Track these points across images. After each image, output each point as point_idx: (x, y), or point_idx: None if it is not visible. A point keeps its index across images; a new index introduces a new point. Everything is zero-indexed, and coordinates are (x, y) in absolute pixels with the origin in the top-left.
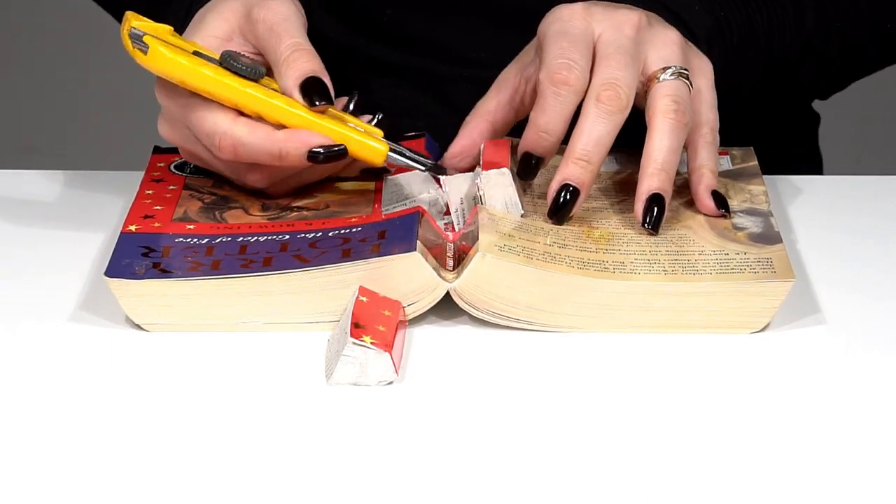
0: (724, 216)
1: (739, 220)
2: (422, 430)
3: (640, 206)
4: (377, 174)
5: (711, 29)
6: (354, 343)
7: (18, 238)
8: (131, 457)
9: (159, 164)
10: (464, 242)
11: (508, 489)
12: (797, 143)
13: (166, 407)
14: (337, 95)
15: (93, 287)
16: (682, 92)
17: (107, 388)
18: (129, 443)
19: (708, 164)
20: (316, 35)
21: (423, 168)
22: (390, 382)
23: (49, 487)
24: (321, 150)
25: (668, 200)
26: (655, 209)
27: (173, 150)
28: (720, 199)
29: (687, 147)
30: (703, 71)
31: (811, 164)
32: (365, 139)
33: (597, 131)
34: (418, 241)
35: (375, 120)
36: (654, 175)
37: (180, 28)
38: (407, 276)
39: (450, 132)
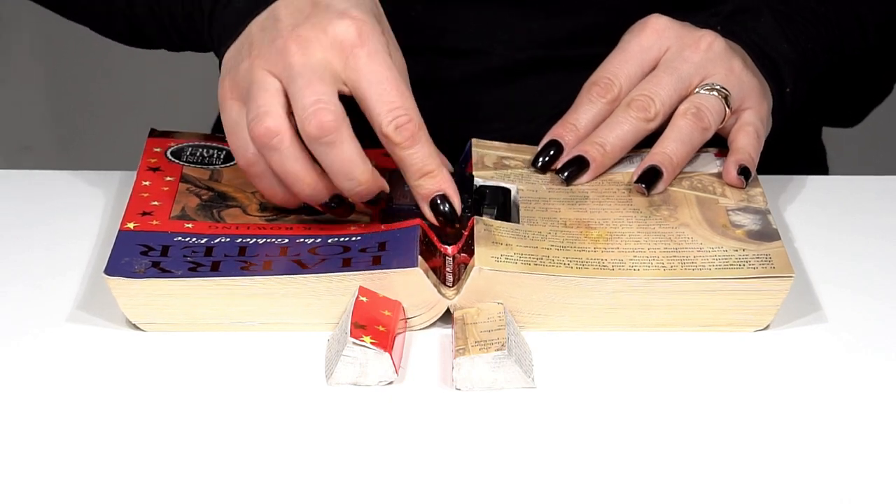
0: (741, 185)
1: (737, 217)
2: (422, 430)
3: (637, 171)
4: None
5: (800, 67)
6: (354, 343)
7: (16, 238)
8: (130, 457)
9: (156, 150)
10: (463, 254)
11: (508, 489)
12: (800, 135)
13: (165, 407)
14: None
15: (90, 287)
16: (709, 102)
17: (105, 389)
18: (128, 443)
19: (747, 149)
20: None
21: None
22: (390, 382)
23: (48, 487)
24: (334, 202)
25: (665, 177)
26: (651, 174)
27: (169, 134)
28: (744, 171)
29: (730, 141)
30: (757, 108)
31: (814, 157)
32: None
33: (618, 128)
34: (419, 257)
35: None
36: (656, 154)
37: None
38: (407, 290)
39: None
